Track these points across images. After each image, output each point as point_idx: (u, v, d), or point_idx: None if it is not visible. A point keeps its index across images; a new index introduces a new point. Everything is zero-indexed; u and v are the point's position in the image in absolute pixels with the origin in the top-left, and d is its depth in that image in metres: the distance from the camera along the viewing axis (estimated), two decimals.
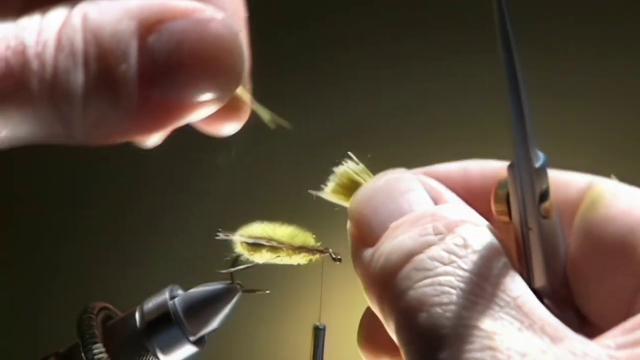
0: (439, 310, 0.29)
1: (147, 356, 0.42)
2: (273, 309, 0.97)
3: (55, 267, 1.00)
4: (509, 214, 0.33)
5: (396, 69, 0.99)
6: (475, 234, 0.32)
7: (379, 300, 0.32)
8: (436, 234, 0.31)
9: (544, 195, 0.32)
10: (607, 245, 0.32)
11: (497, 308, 0.29)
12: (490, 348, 0.27)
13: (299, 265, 0.44)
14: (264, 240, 0.43)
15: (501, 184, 0.34)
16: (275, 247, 0.43)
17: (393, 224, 0.34)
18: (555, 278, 0.33)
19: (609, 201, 0.33)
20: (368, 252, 0.34)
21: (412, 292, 0.30)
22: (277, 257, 0.43)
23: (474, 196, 0.36)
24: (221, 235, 0.43)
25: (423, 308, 0.29)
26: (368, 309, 0.38)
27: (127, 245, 1.00)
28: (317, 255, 0.44)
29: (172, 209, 1.00)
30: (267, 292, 0.44)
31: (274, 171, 0.98)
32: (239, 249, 0.44)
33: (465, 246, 0.31)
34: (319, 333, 0.44)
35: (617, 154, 0.95)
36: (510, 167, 0.32)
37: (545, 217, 0.32)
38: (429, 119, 0.98)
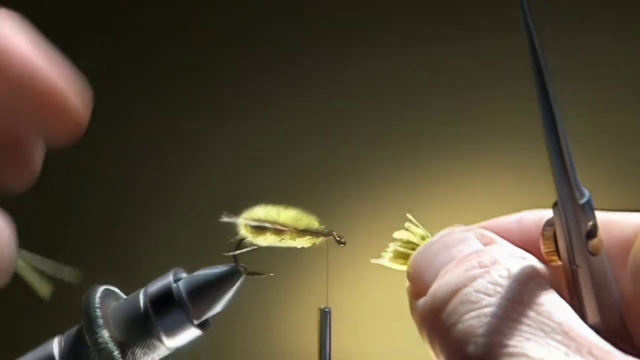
0: (485, 340, 0.29)
1: (151, 339, 0.42)
2: (278, 292, 0.97)
3: (58, 249, 1.00)
4: (558, 254, 0.34)
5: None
6: (520, 264, 0.32)
7: (429, 337, 0.33)
8: (481, 267, 0.32)
9: (592, 232, 0.32)
10: None
11: (542, 334, 0.29)
12: None
13: (303, 248, 0.44)
14: (268, 223, 0.43)
15: (548, 223, 0.34)
16: (279, 230, 0.43)
17: (444, 270, 0.34)
18: (609, 317, 0.33)
19: None
20: (421, 300, 0.34)
21: (459, 326, 0.30)
22: (281, 240, 0.43)
23: (530, 246, 0.36)
24: (225, 218, 0.43)
25: (470, 340, 0.30)
26: None
27: (132, 228, 1.00)
28: (321, 238, 0.44)
29: (177, 192, 0.99)
30: (272, 275, 0.44)
31: (278, 154, 0.97)
32: (243, 232, 0.44)
33: (509, 277, 0.31)
34: (325, 315, 0.44)
35: None
36: (554, 205, 0.33)
37: (593, 254, 0.32)
38: None
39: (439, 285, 0.33)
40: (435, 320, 0.32)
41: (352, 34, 0.98)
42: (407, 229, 0.40)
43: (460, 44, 0.96)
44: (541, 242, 0.34)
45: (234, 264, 0.44)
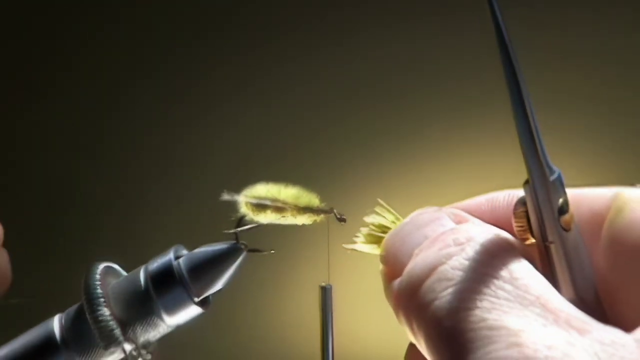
0: (463, 315, 0.29)
1: (151, 317, 0.42)
2: (279, 269, 0.96)
3: (58, 226, 1.00)
4: (531, 232, 0.34)
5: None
6: (494, 240, 0.32)
7: (407, 318, 0.33)
8: (456, 245, 0.32)
9: (563, 208, 0.32)
10: (631, 249, 0.32)
11: (520, 307, 0.29)
12: (517, 345, 0.27)
13: (304, 225, 0.44)
14: (268, 200, 0.43)
15: (519, 202, 0.34)
16: (280, 207, 0.43)
17: (418, 249, 0.34)
18: (584, 292, 0.33)
19: (634, 206, 0.33)
20: (396, 281, 0.34)
21: (437, 302, 0.30)
22: (282, 217, 0.43)
23: (502, 225, 0.36)
24: (226, 196, 0.43)
25: (449, 316, 0.30)
26: (410, 344, 0.38)
27: (132, 205, 1.00)
28: (322, 216, 0.44)
29: (178, 169, 0.99)
30: (272, 252, 0.44)
31: (279, 132, 0.97)
32: (244, 209, 0.44)
33: (484, 252, 0.31)
34: (325, 293, 0.44)
35: (636, 168, 0.96)
36: (526, 183, 0.33)
37: (565, 230, 0.32)
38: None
39: (415, 264, 0.33)
40: (412, 298, 0.32)
41: (347, 11, 0.97)
42: (378, 213, 0.40)
43: (428, 26, 0.95)
44: (513, 220, 0.34)
45: (234, 241, 0.44)
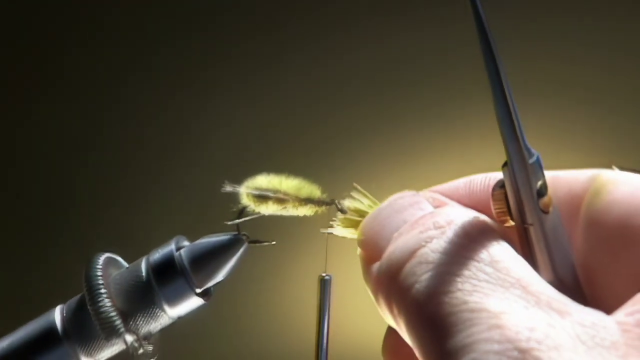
0: (444, 298, 0.29)
1: (153, 308, 0.42)
2: (279, 260, 0.96)
3: (59, 216, 1.00)
4: (510, 214, 0.34)
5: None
6: (474, 223, 0.32)
7: (387, 302, 0.33)
8: (437, 228, 0.32)
9: (542, 191, 0.32)
10: (610, 231, 0.32)
11: (502, 290, 0.29)
12: (498, 327, 0.27)
13: (305, 217, 0.44)
14: (270, 192, 0.43)
15: (498, 185, 0.34)
16: (281, 198, 0.43)
17: (397, 233, 0.34)
18: (563, 274, 0.33)
19: (611, 188, 0.33)
20: (375, 265, 0.34)
21: (417, 286, 0.30)
22: (284, 208, 0.43)
23: (480, 208, 0.36)
24: (228, 188, 0.43)
25: (430, 299, 0.29)
26: (389, 328, 0.38)
27: (134, 196, 0.99)
28: (323, 207, 0.44)
29: (179, 160, 0.99)
30: (273, 243, 0.44)
31: (279, 123, 0.97)
32: (245, 200, 0.43)
33: (465, 235, 0.31)
34: (325, 283, 0.44)
35: (611, 151, 0.95)
36: (504, 166, 0.33)
37: (545, 212, 0.32)
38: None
39: (395, 247, 0.33)
40: (393, 282, 0.32)
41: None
42: (354, 198, 0.40)
43: (415, 18, 0.95)
44: (492, 203, 0.34)
45: (236, 232, 0.43)
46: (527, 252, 0.33)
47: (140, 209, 0.99)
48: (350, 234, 0.40)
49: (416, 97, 0.95)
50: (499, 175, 0.36)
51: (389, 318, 0.33)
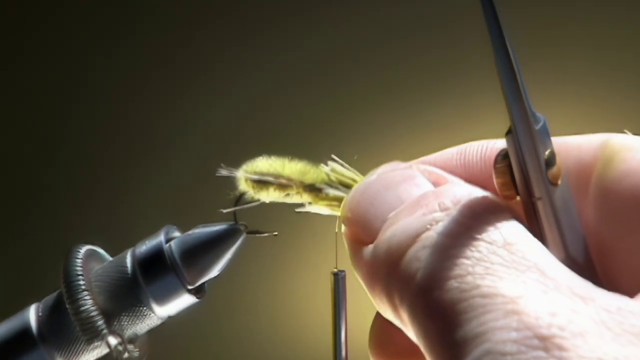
0: (454, 283, 0.27)
1: (139, 307, 0.40)
2: (286, 254, 0.95)
3: (36, 207, 0.97)
4: (515, 188, 0.32)
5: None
6: (483, 202, 0.31)
7: (387, 292, 0.31)
8: (442, 210, 0.30)
9: (550, 160, 0.30)
10: (625, 203, 0.31)
11: (517, 273, 0.27)
12: (515, 312, 0.26)
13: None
14: (271, 176, 0.40)
15: (501, 156, 0.32)
16: (283, 184, 0.41)
17: (392, 213, 0.33)
18: (575, 251, 0.31)
19: (625, 155, 0.31)
20: (368, 249, 0.33)
21: (422, 272, 0.29)
22: (286, 195, 0.41)
23: (477, 181, 0.35)
24: (223, 172, 0.41)
25: (437, 284, 0.28)
26: (377, 315, 0.37)
27: (117, 180, 0.97)
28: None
29: (168, 142, 0.96)
30: (275, 233, 0.42)
31: (281, 101, 0.94)
32: (243, 186, 0.41)
33: (475, 216, 0.30)
34: (338, 279, 0.42)
35: (623, 114, 0.93)
36: (508, 134, 0.31)
37: (553, 184, 0.31)
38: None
39: (394, 230, 0.31)
40: (393, 269, 0.30)
41: None
42: (332, 170, 0.39)
43: None
44: (494, 176, 0.32)
45: (233, 221, 0.41)
46: (535, 229, 0.31)
47: (125, 196, 0.96)
48: (330, 210, 0.39)
49: (416, 69, 0.93)
50: (495, 143, 0.35)
51: (387, 310, 0.32)
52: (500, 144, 0.35)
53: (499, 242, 0.28)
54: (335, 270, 0.42)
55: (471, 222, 0.29)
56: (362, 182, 0.36)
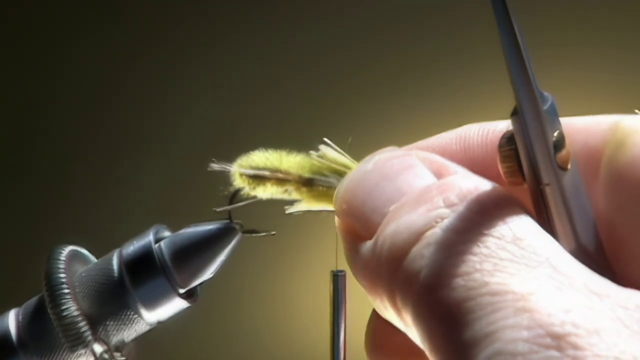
0: (460, 281, 0.26)
1: (126, 312, 0.40)
2: (285, 253, 0.94)
3: (16, 206, 0.96)
4: (521, 174, 0.31)
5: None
6: (493, 197, 0.30)
7: (388, 292, 0.30)
8: (448, 206, 0.29)
9: (559, 143, 0.29)
10: (638, 189, 0.30)
11: (528, 269, 0.26)
12: (526, 310, 0.25)
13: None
14: (268, 171, 0.39)
15: (506, 138, 0.31)
16: (281, 179, 0.39)
17: (393, 207, 0.31)
18: (587, 241, 0.30)
19: (638, 139, 0.31)
20: (366, 245, 0.32)
21: (426, 270, 0.28)
22: (285, 191, 0.39)
23: (477, 166, 0.34)
24: (216, 166, 0.39)
25: (444, 283, 0.27)
26: (373, 314, 0.36)
27: (103, 176, 0.95)
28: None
29: (157, 134, 0.95)
30: (273, 233, 0.41)
31: (276, 92, 0.94)
32: (238, 182, 0.39)
33: (483, 211, 0.29)
34: (337, 279, 0.41)
35: (634, 94, 0.91)
36: (513, 114, 0.30)
37: (563, 169, 0.30)
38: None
39: (396, 228, 0.30)
40: (395, 268, 0.29)
41: None
42: (322, 156, 0.37)
43: None
44: (499, 161, 0.31)
45: (227, 220, 0.41)
46: (543, 217, 0.30)
47: (110, 192, 0.95)
48: (322, 204, 0.38)
49: (413, 52, 0.92)
50: (497, 125, 0.35)
51: (388, 310, 0.31)
52: (503, 126, 0.34)
53: (508, 237, 0.27)
54: (334, 270, 0.41)
55: (478, 217, 0.28)
56: (357, 170, 0.34)
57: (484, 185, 0.30)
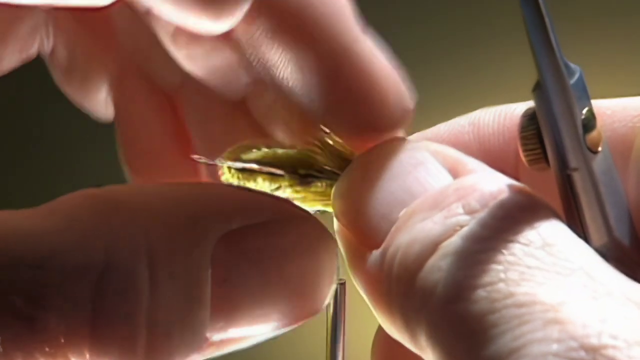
0: (482, 293, 0.25)
1: None
2: None
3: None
4: (545, 158, 0.28)
5: None
6: (520, 200, 0.28)
7: (399, 310, 0.28)
8: (468, 213, 0.27)
9: (589, 122, 0.27)
10: None
11: (560, 278, 0.25)
12: (557, 321, 0.23)
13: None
14: (258, 164, 0.36)
15: (527, 117, 0.29)
16: (274, 174, 0.36)
17: (404, 212, 0.29)
18: (620, 232, 0.28)
19: None
20: (373, 256, 0.29)
21: (443, 284, 0.26)
22: (278, 188, 0.36)
23: (492, 156, 0.33)
24: (201, 160, 0.37)
25: (461, 296, 0.25)
26: (379, 332, 0.34)
27: (62, 171, 0.90)
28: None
29: None
30: None
31: None
32: (227, 176, 0.37)
33: (508, 217, 0.27)
34: (337, 289, 0.37)
35: None
36: (535, 89, 0.27)
37: (593, 152, 0.27)
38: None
39: (410, 238, 0.28)
40: (409, 284, 0.27)
41: None
42: (324, 140, 0.34)
43: None
44: (520, 144, 0.29)
45: None
46: (571, 207, 0.28)
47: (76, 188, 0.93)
48: (319, 206, 0.34)
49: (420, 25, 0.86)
50: (515, 108, 0.33)
51: (399, 330, 0.29)
52: (521, 109, 0.31)
53: (537, 243, 0.25)
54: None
55: (503, 223, 0.26)
56: (358, 165, 0.31)
57: (508, 186, 0.28)
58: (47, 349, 0.26)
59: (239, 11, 0.29)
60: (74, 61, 0.37)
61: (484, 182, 0.29)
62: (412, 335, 0.28)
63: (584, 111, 0.27)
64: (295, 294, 0.30)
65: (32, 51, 0.37)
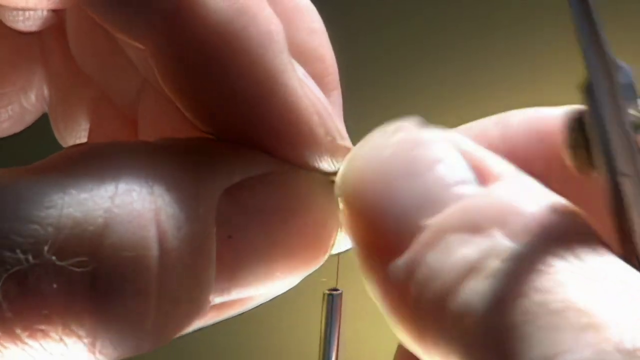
0: (512, 304, 0.24)
1: None
2: None
3: None
4: (591, 162, 0.27)
5: None
6: (559, 221, 0.26)
7: (429, 331, 0.26)
8: (508, 236, 0.26)
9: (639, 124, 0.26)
10: None
11: (593, 283, 0.24)
12: (591, 326, 0.23)
13: None
14: None
15: (574, 120, 0.27)
16: None
17: (433, 223, 0.27)
18: None
19: None
20: (398, 266, 0.27)
21: (481, 306, 0.25)
22: None
23: (520, 159, 0.30)
24: None
25: (492, 309, 0.24)
26: (400, 350, 0.32)
27: None
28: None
29: None
30: None
31: None
32: None
33: (549, 241, 0.25)
34: (332, 301, 0.36)
35: None
36: (585, 89, 0.25)
37: None
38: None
39: (443, 260, 0.26)
40: (442, 306, 0.25)
41: None
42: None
43: None
44: (567, 149, 0.28)
45: None
46: (617, 215, 0.26)
47: None
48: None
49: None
50: (545, 112, 0.31)
51: (426, 345, 0.27)
52: (552, 113, 0.30)
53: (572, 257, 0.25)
54: (325, 291, 0.35)
55: (545, 247, 0.25)
56: (369, 153, 0.29)
57: (547, 206, 0.27)
58: (45, 312, 0.24)
59: None
60: (67, 106, 0.36)
61: (522, 200, 0.27)
62: (442, 354, 0.26)
63: (635, 112, 0.26)
64: (298, 248, 0.30)
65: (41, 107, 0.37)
